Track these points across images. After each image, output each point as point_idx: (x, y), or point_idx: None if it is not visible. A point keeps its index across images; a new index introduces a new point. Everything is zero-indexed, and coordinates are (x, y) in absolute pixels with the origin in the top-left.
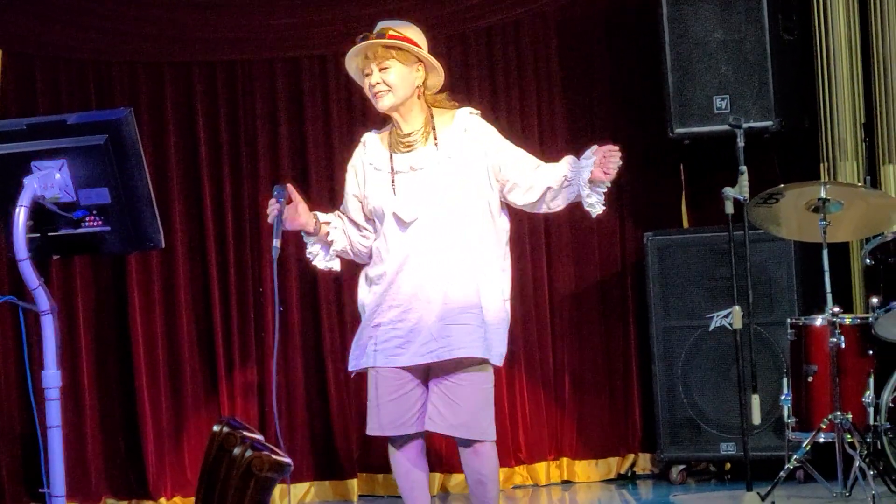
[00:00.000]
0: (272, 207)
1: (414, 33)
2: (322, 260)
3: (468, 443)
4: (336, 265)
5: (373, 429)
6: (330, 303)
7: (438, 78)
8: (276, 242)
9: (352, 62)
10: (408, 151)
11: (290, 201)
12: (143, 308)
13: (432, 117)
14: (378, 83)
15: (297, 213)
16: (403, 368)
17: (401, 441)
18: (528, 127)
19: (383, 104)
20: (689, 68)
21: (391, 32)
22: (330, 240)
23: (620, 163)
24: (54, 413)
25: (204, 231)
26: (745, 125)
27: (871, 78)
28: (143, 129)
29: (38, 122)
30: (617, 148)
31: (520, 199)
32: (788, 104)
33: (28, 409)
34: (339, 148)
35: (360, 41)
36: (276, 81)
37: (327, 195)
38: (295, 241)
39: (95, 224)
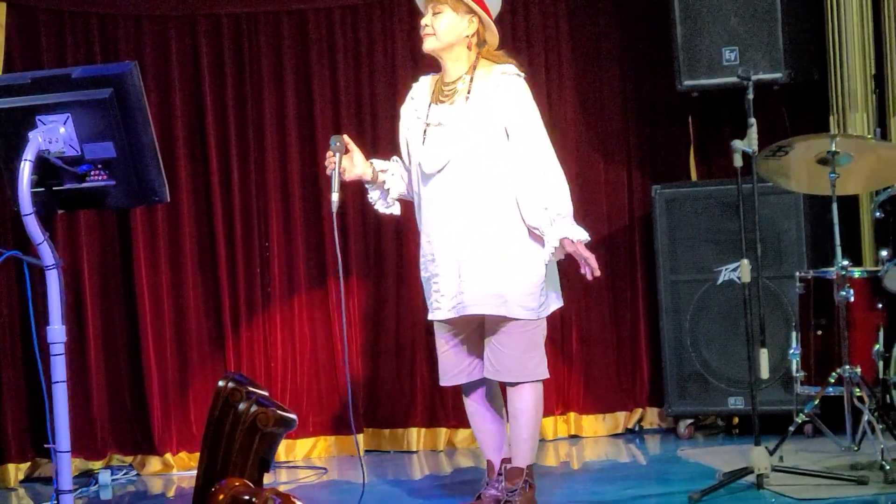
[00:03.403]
0: (329, 160)
1: None
2: (382, 206)
3: (512, 383)
4: (395, 210)
5: (439, 379)
6: (336, 255)
7: (494, 36)
8: (335, 196)
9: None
10: (444, 102)
11: (346, 152)
12: (148, 263)
13: (474, 69)
14: (427, 25)
15: (353, 164)
16: (450, 321)
17: (466, 389)
18: (536, 81)
19: (426, 46)
20: (698, 20)
21: None
22: (386, 188)
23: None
24: (59, 368)
25: (209, 185)
26: (754, 77)
27: (882, 29)
28: (148, 83)
29: (43, 76)
30: (597, 273)
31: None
32: (798, 56)
33: (33, 365)
34: (344, 101)
35: None
36: (281, 34)
37: None
38: (301, 197)
39: (100, 178)
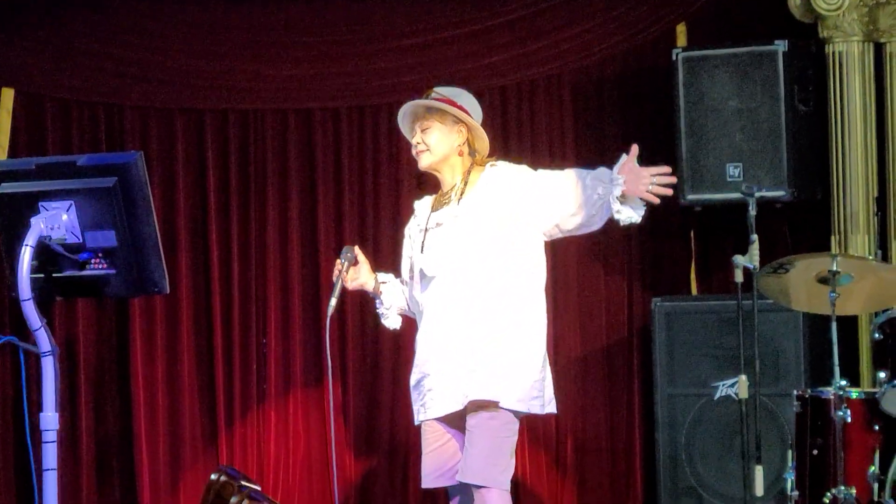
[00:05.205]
0: (336, 268)
1: (463, 99)
2: (383, 318)
3: (476, 488)
4: (394, 323)
5: (421, 480)
6: (333, 358)
7: (484, 141)
8: (333, 301)
9: (404, 124)
10: (441, 208)
11: (355, 263)
12: (144, 353)
13: (468, 174)
14: (418, 143)
15: (358, 274)
16: (438, 420)
17: (452, 492)
18: None
19: (422, 163)
20: (703, 135)
21: (434, 95)
22: (382, 298)
23: (671, 182)
24: (51, 456)
25: (209, 278)
26: (757, 194)
27: (885, 152)
28: (153, 174)
29: (48, 163)
30: (666, 169)
31: (568, 225)
32: (801, 175)
33: (24, 451)
34: (348, 199)
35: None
36: (288, 131)
37: (334, 245)
38: (300, 292)
39: (100, 267)
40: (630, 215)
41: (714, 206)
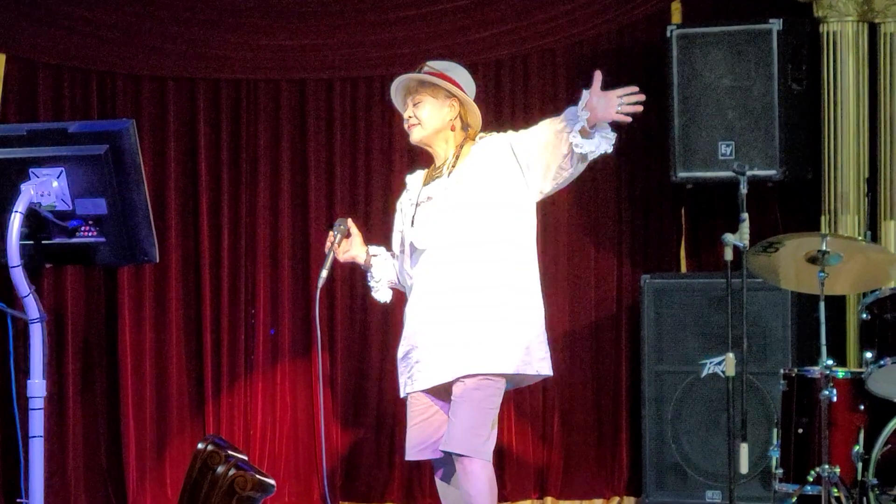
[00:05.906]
0: (329, 240)
1: (456, 73)
2: (373, 291)
3: (458, 458)
4: (384, 297)
5: (405, 453)
6: (321, 329)
7: (476, 116)
8: (324, 273)
9: (397, 97)
10: (430, 183)
11: (348, 235)
12: (132, 322)
13: (460, 148)
14: (410, 117)
15: (350, 246)
16: (424, 392)
17: (436, 465)
18: None
19: (413, 136)
20: (696, 113)
21: (427, 68)
22: (372, 271)
23: (639, 99)
24: (37, 423)
25: (199, 248)
26: (748, 172)
27: (877, 133)
28: (144, 143)
29: (39, 129)
30: (633, 89)
31: (550, 173)
32: (793, 154)
33: (10, 418)
34: (339, 171)
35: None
36: (280, 102)
37: (324, 216)
38: (290, 266)
39: (90, 234)
40: (594, 147)
41: (705, 184)
